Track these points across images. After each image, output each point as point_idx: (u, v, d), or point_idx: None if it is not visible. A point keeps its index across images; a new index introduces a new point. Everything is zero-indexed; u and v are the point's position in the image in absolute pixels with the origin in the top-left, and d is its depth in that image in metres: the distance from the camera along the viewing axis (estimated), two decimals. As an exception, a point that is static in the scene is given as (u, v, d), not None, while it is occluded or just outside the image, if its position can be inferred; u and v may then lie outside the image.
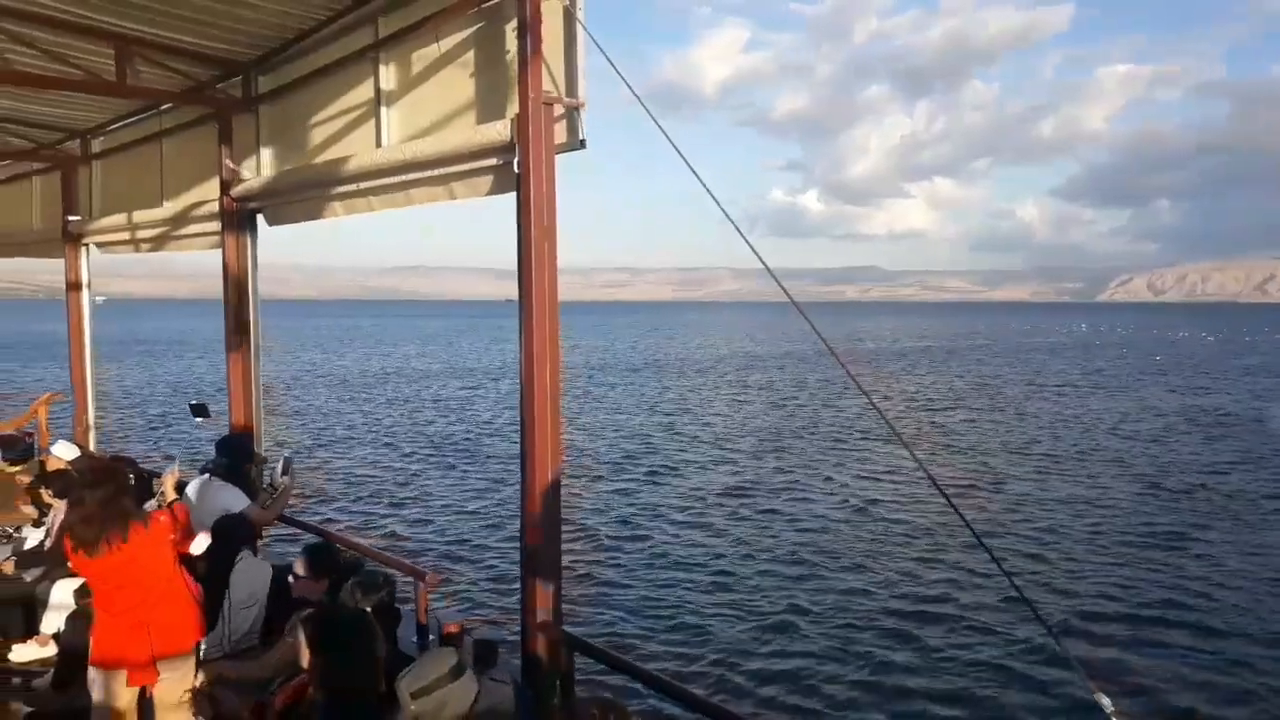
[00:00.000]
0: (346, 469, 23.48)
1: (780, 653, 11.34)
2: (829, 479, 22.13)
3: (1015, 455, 25.74)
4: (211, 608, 5.10)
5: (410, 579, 5.34)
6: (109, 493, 4.26)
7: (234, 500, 6.29)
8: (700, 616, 12.55)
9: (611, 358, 69.19)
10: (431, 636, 5.05)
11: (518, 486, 4.85)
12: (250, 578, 5.51)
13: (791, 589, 13.70)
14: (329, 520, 16.83)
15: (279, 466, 6.79)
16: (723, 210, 3.65)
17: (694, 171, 3.83)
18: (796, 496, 20.19)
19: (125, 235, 9.49)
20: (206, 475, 6.56)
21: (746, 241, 3.66)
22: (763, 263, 3.53)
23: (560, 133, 4.71)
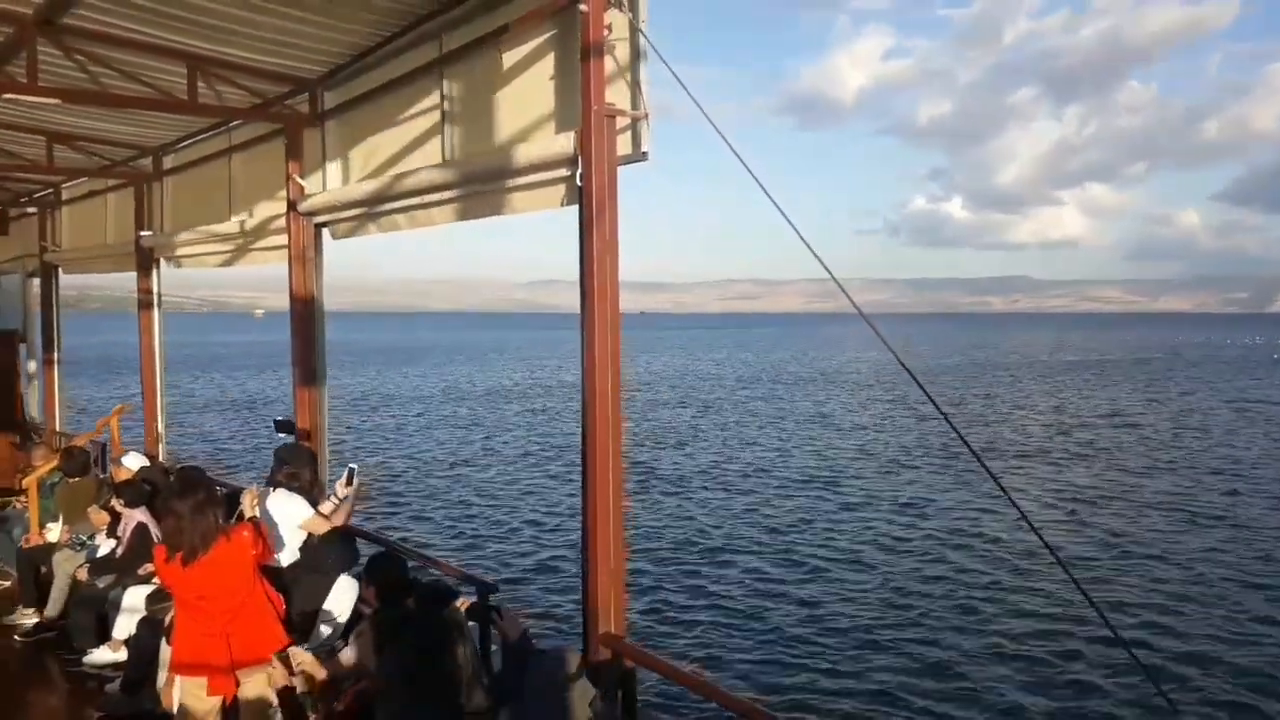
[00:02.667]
0: (428, 481, 23.94)
1: (852, 673, 11.20)
2: (928, 501, 21.17)
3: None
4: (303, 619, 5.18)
5: (475, 589, 5.36)
6: (198, 503, 4.36)
7: (297, 510, 6.37)
8: (767, 634, 12.46)
9: (745, 370, 68.51)
10: (494, 647, 5.07)
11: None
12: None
13: (868, 609, 13.53)
14: (397, 529, 17.13)
15: (344, 477, 6.87)
16: (786, 218, 3.64)
17: (759, 183, 3.82)
18: (886, 518, 19.60)
19: (195, 250, 9.72)
20: (269, 486, 6.65)
21: (813, 253, 3.63)
22: (829, 272, 3.50)
23: (623, 145, 4.73)
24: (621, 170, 4.73)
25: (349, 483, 6.76)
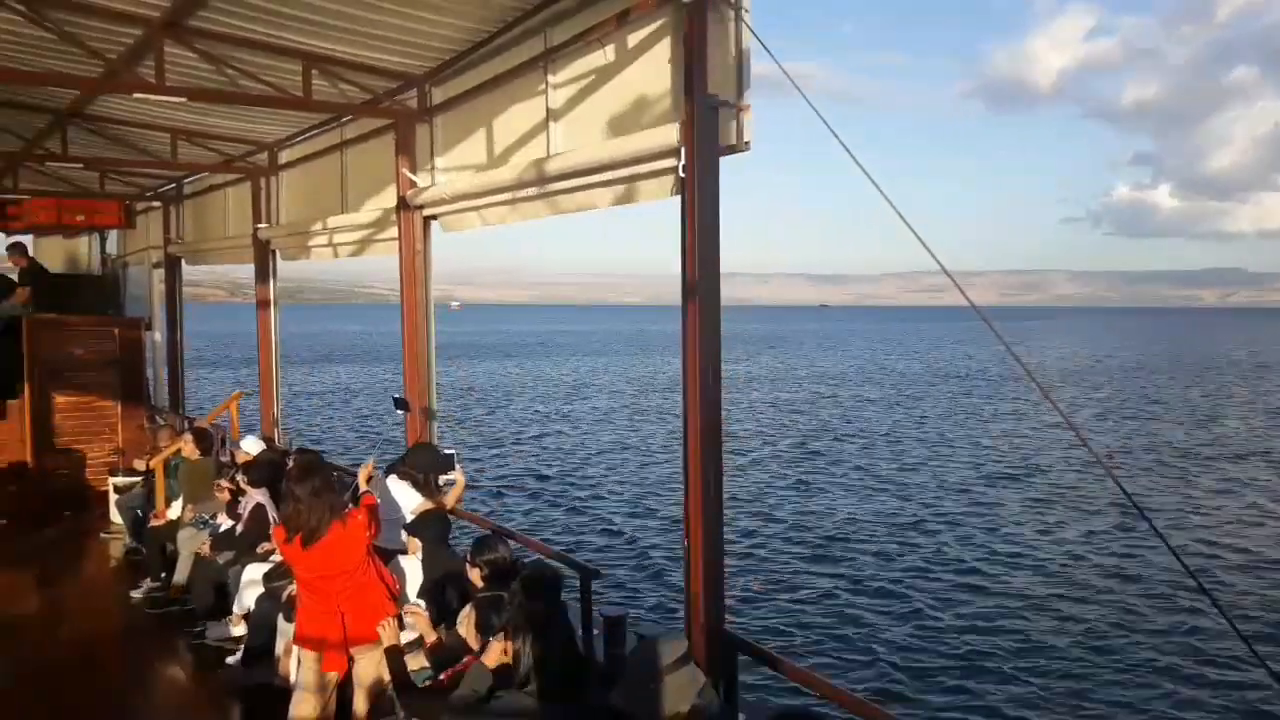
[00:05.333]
0: (538, 467, 24.41)
1: (959, 671, 11.00)
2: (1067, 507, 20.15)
3: None
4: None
5: (576, 574, 5.46)
6: (316, 486, 4.55)
7: (403, 495, 6.58)
8: (873, 628, 12.34)
9: (924, 366, 66.40)
10: (596, 632, 5.15)
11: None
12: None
13: (978, 610, 13.24)
14: (503, 515, 17.52)
15: (444, 462, 7.09)
16: (897, 211, 3.59)
17: (869, 176, 3.78)
18: (1017, 521, 18.94)
19: (308, 241, 10.06)
20: (386, 472, 6.87)
21: (925, 246, 3.58)
22: (941, 266, 3.44)
23: (725, 135, 4.73)
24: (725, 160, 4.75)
25: (450, 468, 6.98)
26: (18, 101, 9.62)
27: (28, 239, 14.24)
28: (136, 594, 8.09)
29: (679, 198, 4.80)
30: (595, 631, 5.19)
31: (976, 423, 34.77)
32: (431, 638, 4.76)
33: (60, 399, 11.66)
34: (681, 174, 4.72)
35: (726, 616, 4.73)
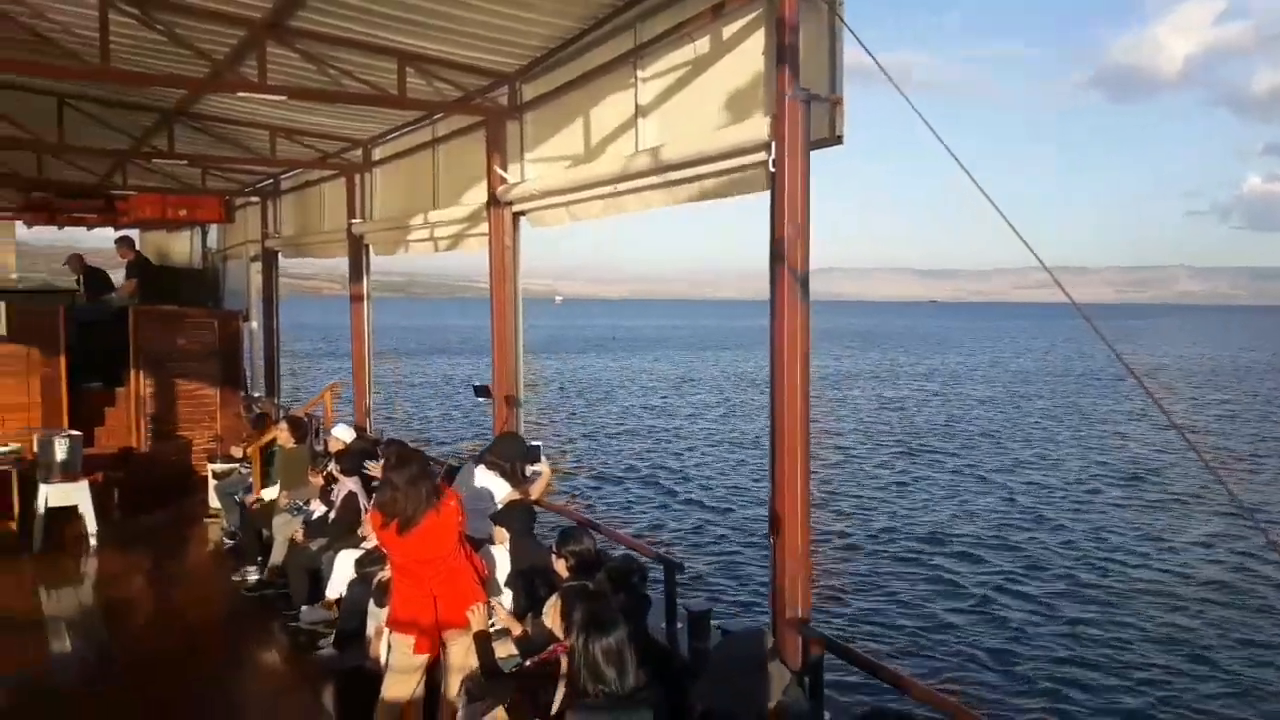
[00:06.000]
0: (625, 459, 24.64)
1: (1051, 678, 10.76)
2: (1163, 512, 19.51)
3: None
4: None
5: (660, 566, 5.48)
6: (413, 474, 4.67)
7: (492, 484, 6.68)
8: (965, 631, 12.15)
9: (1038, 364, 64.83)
10: (680, 625, 5.16)
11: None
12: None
13: (1075, 617, 12.93)
14: (587, 506, 17.72)
15: (533, 454, 7.18)
16: (993, 204, 3.51)
17: (964, 168, 3.71)
18: (1114, 523, 18.50)
19: (400, 236, 10.28)
20: (474, 463, 6.99)
21: (1022, 239, 3.50)
22: (1040, 261, 3.37)
23: (818, 129, 4.69)
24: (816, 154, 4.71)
25: (536, 459, 7.07)
26: (129, 101, 10.03)
27: (134, 233, 14.86)
28: (239, 578, 8.38)
29: (769, 192, 4.78)
30: (679, 625, 5.19)
31: (1087, 423, 33.71)
32: (516, 630, 4.82)
33: (163, 387, 12.14)
34: (772, 168, 4.69)
35: (813, 613, 4.70)
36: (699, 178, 5.49)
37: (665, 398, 41.07)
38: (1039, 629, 12.19)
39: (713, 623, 5.07)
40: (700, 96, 5.63)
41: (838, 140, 4.72)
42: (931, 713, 3.91)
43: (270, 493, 9.14)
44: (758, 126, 4.82)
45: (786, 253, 4.65)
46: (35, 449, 9.74)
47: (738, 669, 3.50)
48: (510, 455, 6.92)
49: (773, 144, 4.69)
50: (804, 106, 4.61)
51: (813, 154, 4.66)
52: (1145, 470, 24.13)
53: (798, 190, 4.65)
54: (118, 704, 6.21)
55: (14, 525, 9.48)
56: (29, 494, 9.51)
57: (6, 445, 9.75)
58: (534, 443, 7.42)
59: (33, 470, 9.58)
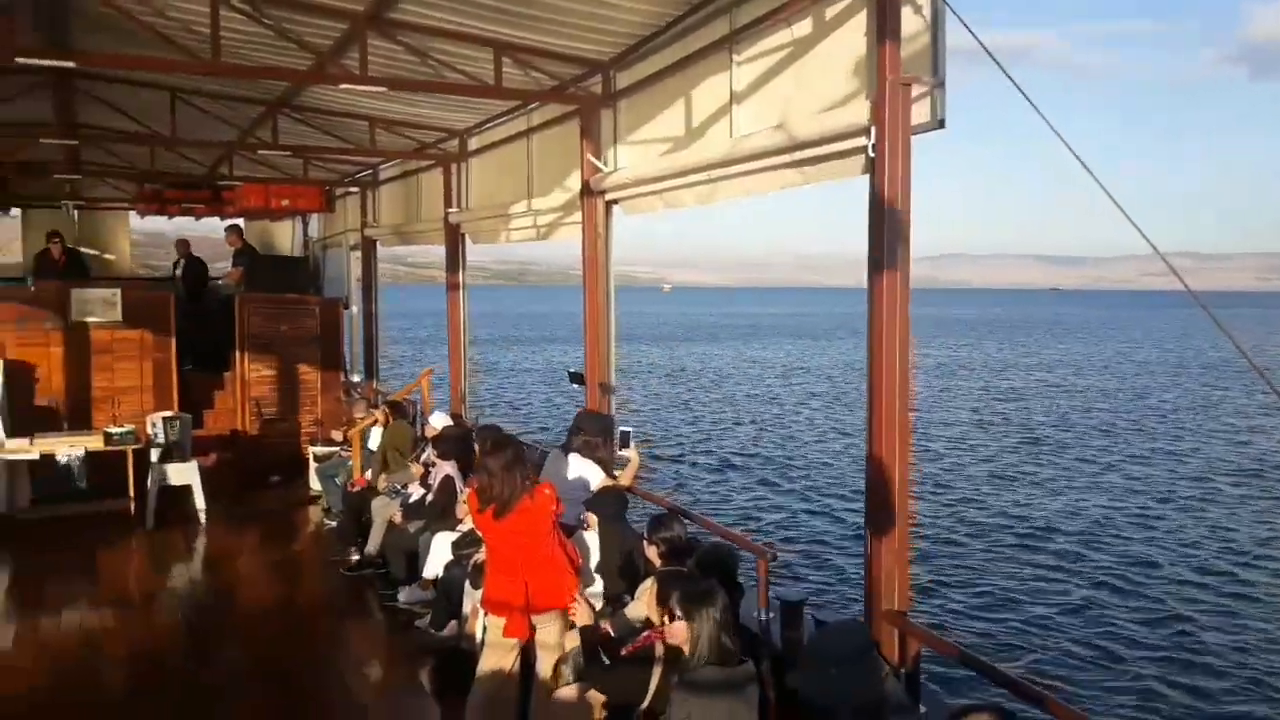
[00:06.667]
0: (716, 447, 24.65)
1: (1158, 679, 10.40)
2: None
3: None
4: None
5: (754, 556, 5.46)
6: (508, 459, 4.74)
7: (592, 474, 6.74)
8: (1069, 628, 11.82)
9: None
10: (772, 614, 5.14)
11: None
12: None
13: (1187, 618, 12.40)
14: (685, 492, 17.76)
15: (620, 439, 7.23)
16: (1104, 188, 3.41)
17: (1074, 152, 3.60)
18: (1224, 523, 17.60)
19: (495, 225, 10.42)
20: (564, 451, 7.06)
21: (1135, 225, 3.39)
22: (1154, 248, 3.25)
23: (918, 113, 4.60)
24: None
25: (624, 445, 7.11)
26: (237, 95, 10.37)
27: (239, 222, 15.41)
28: (339, 559, 8.62)
29: (868, 177, 4.71)
30: (771, 615, 5.17)
31: (1215, 418, 32.18)
32: (589, 620, 4.82)
33: (267, 372, 12.55)
34: (871, 153, 4.62)
35: (910, 605, 4.64)
36: (795, 164, 5.43)
37: (772, 386, 40.79)
38: (1149, 631, 11.75)
39: (806, 612, 5.04)
40: (797, 81, 5.57)
41: (939, 125, 4.63)
42: (1030, 709, 3.81)
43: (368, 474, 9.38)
44: (857, 111, 4.75)
45: (886, 239, 4.59)
46: (148, 430, 10.17)
47: (833, 659, 3.47)
48: (598, 429, 7.00)
49: (872, 129, 4.61)
50: (904, 91, 4.53)
51: (917, 138, 4.59)
52: (1274, 468, 23.07)
53: (898, 176, 4.57)
54: (229, 676, 6.46)
55: (129, 504, 9.92)
56: (142, 474, 9.94)
57: (122, 426, 10.19)
58: (623, 428, 7.47)
59: (146, 451, 10.00)
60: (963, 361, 54.14)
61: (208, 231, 16.32)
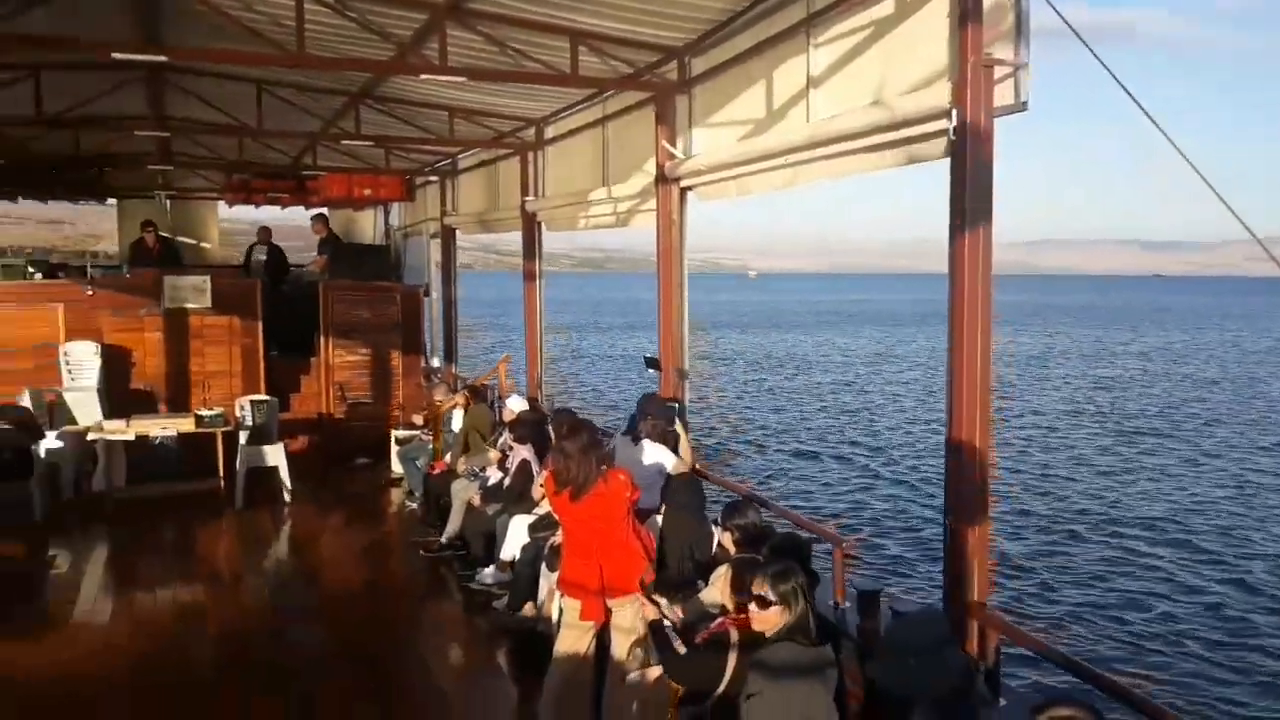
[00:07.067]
0: (793, 434, 24.57)
1: (1250, 678, 10.07)
2: None
3: None
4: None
5: (830, 544, 5.43)
6: (584, 443, 4.80)
7: (665, 458, 6.76)
8: (1155, 623, 11.51)
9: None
10: (848, 604, 5.11)
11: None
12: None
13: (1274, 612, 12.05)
14: (758, 481, 17.73)
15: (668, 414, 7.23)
16: (1197, 171, 3.30)
17: (1164, 132, 3.50)
18: None
19: (571, 213, 10.49)
20: (630, 437, 7.08)
21: (1231, 210, 3.28)
22: (1246, 227, 3.15)
23: (1001, 95, 4.50)
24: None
25: (671, 423, 7.12)
26: (320, 86, 10.60)
27: (323, 211, 15.76)
28: (419, 540, 8.79)
29: (949, 160, 4.63)
30: (847, 604, 5.14)
31: None
32: (674, 617, 4.81)
33: (350, 357, 12.86)
34: (952, 136, 4.54)
35: (990, 596, 4.57)
36: (873, 148, 5.35)
37: (859, 374, 40.35)
38: (1243, 631, 11.38)
39: (883, 602, 5.00)
40: (876, 64, 5.48)
41: (1022, 107, 4.52)
42: (1113, 703, 3.73)
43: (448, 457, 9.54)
44: (938, 93, 4.66)
45: (967, 224, 4.50)
46: (237, 413, 10.50)
47: (911, 649, 3.41)
48: (662, 411, 7.03)
49: (954, 111, 4.53)
50: (986, 72, 4.44)
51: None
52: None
53: (980, 158, 4.49)
54: (313, 655, 6.67)
55: (219, 484, 10.26)
56: (231, 455, 10.27)
57: (211, 409, 10.54)
58: (670, 402, 7.49)
59: (235, 433, 10.32)
60: (1059, 349, 52.88)
61: (282, 220, 16.73)
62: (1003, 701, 4.09)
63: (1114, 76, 4.05)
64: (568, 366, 40.41)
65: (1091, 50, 4.10)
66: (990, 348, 4.55)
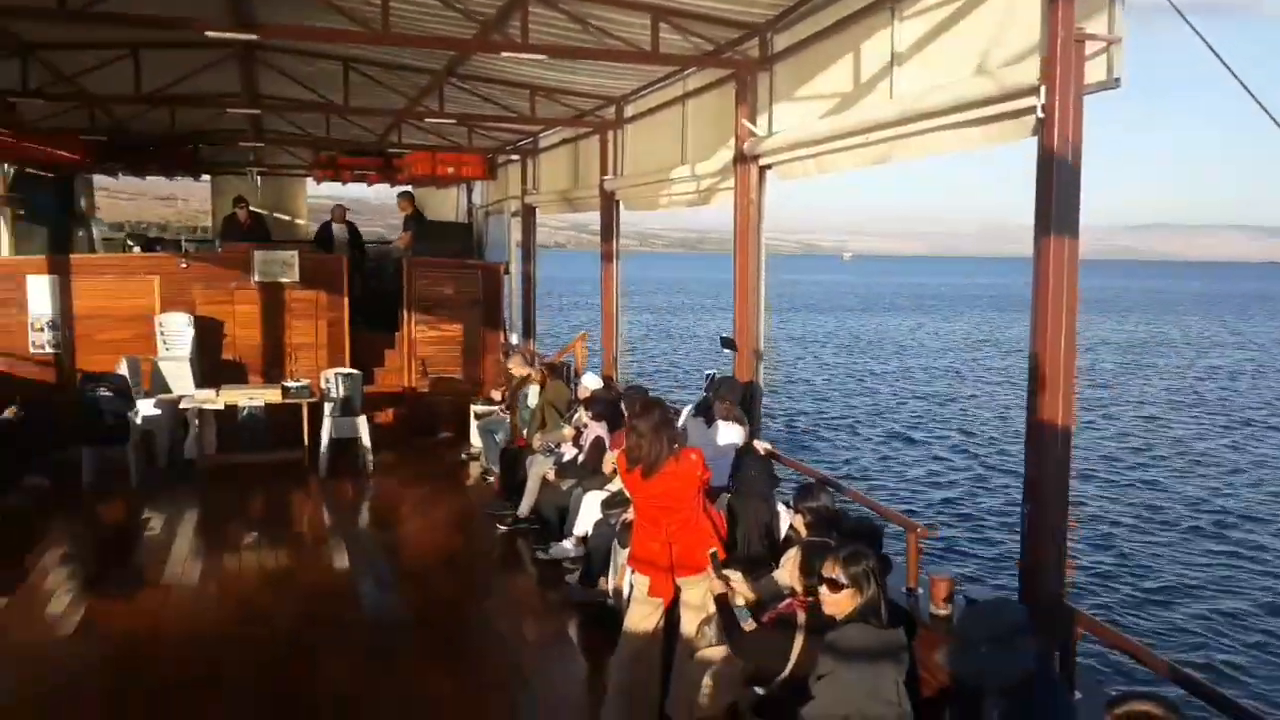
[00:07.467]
0: (869, 419, 24.35)
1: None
2: None
3: None
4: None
5: (903, 530, 5.36)
6: (656, 421, 4.82)
7: (737, 438, 6.75)
8: (1237, 622, 11.15)
9: None
10: (920, 590, 5.05)
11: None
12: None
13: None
14: (837, 465, 17.61)
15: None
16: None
17: (1270, 113, 3.34)
18: None
19: (649, 192, 10.46)
20: (699, 416, 7.07)
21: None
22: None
23: (1092, 71, 4.35)
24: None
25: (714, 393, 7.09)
26: (406, 64, 10.74)
27: (408, 189, 16.01)
28: (494, 512, 8.93)
29: (1037, 140, 4.49)
30: (920, 590, 5.08)
31: None
32: (751, 597, 4.82)
33: (432, 332, 13.10)
34: (1040, 115, 4.40)
35: (1068, 588, 4.46)
36: (958, 125, 5.23)
37: (954, 360, 39.70)
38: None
39: (957, 590, 4.93)
40: (963, 40, 5.34)
41: (1115, 84, 4.36)
42: (1195, 701, 3.62)
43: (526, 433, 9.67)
44: (1026, 70, 4.52)
45: (1054, 206, 4.37)
46: (322, 385, 10.77)
47: (984, 638, 3.36)
48: (738, 393, 7.01)
49: (1042, 88, 4.39)
50: (1077, 47, 4.29)
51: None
52: None
53: (1068, 138, 4.34)
54: (391, 620, 6.85)
55: (304, 454, 10.56)
56: (316, 426, 10.56)
57: (298, 381, 10.82)
58: (709, 371, 7.47)
59: (320, 404, 10.60)
60: (1163, 338, 51.23)
61: (353, 197, 17.02)
62: (1078, 694, 3.99)
63: (1216, 55, 3.88)
64: (653, 346, 40.56)
65: (1190, 23, 3.93)
66: (1074, 333, 4.41)
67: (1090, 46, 4.33)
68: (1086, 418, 23.89)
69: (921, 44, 5.78)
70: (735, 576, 4.67)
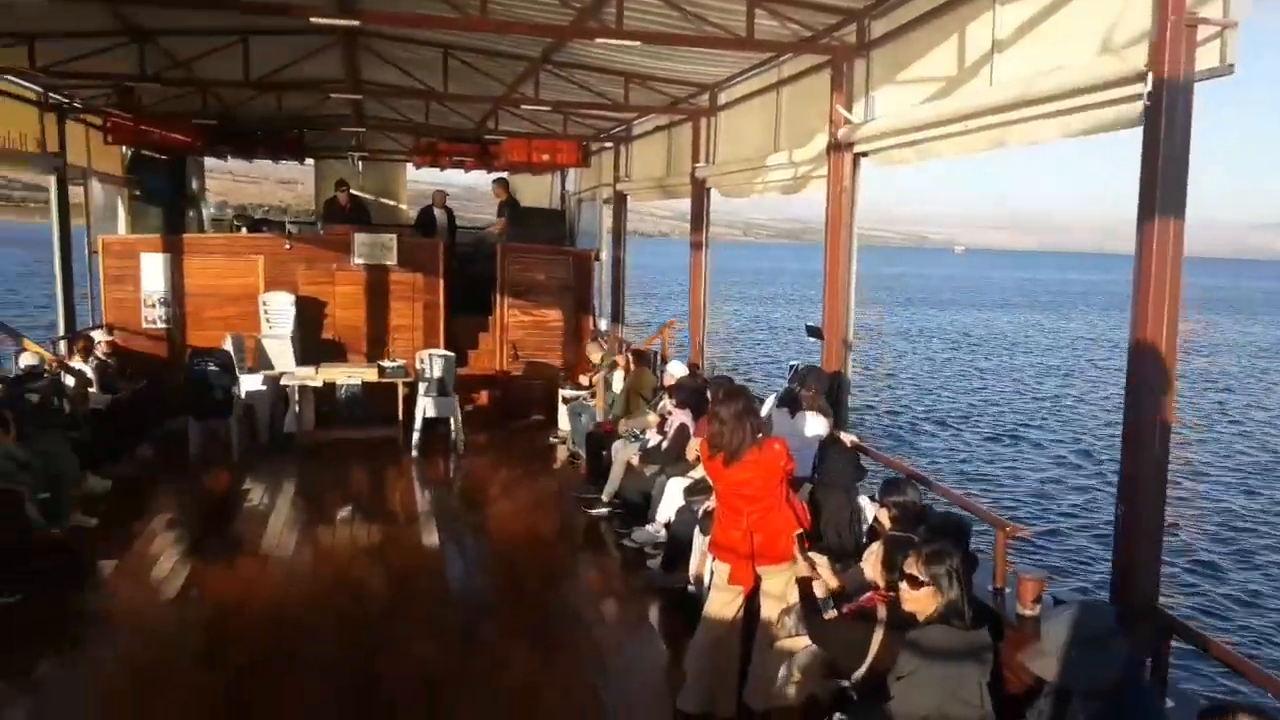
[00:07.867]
0: (962, 415, 23.92)
1: None
2: None
3: None
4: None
5: (991, 527, 5.25)
6: (739, 409, 4.81)
7: (822, 427, 6.69)
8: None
9: None
10: (1007, 589, 4.94)
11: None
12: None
13: None
14: (932, 460, 17.34)
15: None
16: None
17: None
18: None
19: (741, 180, 10.40)
20: (783, 406, 7.02)
21: None
22: None
23: (1204, 57, 4.17)
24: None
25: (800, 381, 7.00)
26: (503, 50, 10.87)
27: (504, 175, 16.21)
28: (579, 495, 9.03)
29: (1142, 129, 4.33)
30: (1007, 589, 4.97)
31: None
32: (834, 584, 4.79)
33: (524, 317, 13.28)
34: (1147, 102, 4.24)
35: (1160, 593, 4.32)
36: (1060, 113, 5.07)
37: (1064, 358, 38.64)
38: None
39: (1045, 591, 4.80)
40: (1066, 25, 5.17)
41: (1228, 70, 4.18)
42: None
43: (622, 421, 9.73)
44: (1133, 56, 4.36)
45: (1160, 199, 4.21)
46: (417, 366, 11.02)
47: (1072, 641, 3.28)
48: (823, 383, 6.94)
49: (1149, 75, 4.23)
50: (1189, 31, 4.12)
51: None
52: None
53: (1177, 127, 4.18)
54: (476, 598, 7.00)
55: (398, 432, 10.82)
56: (411, 405, 10.81)
57: (394, 361, 11.09)
58: (792, 362, 7.37)
59: (415, 384, 10.85)
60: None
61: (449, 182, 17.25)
62: (1170, 702, 3.87)
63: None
64: (747, 335, 40.36)
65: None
66: (1176, 332, 4.26)
67: (1203, 31, 4.16)
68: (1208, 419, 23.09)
69: (1024, 29, 5.62)
70: (821, 561, 4.64)
